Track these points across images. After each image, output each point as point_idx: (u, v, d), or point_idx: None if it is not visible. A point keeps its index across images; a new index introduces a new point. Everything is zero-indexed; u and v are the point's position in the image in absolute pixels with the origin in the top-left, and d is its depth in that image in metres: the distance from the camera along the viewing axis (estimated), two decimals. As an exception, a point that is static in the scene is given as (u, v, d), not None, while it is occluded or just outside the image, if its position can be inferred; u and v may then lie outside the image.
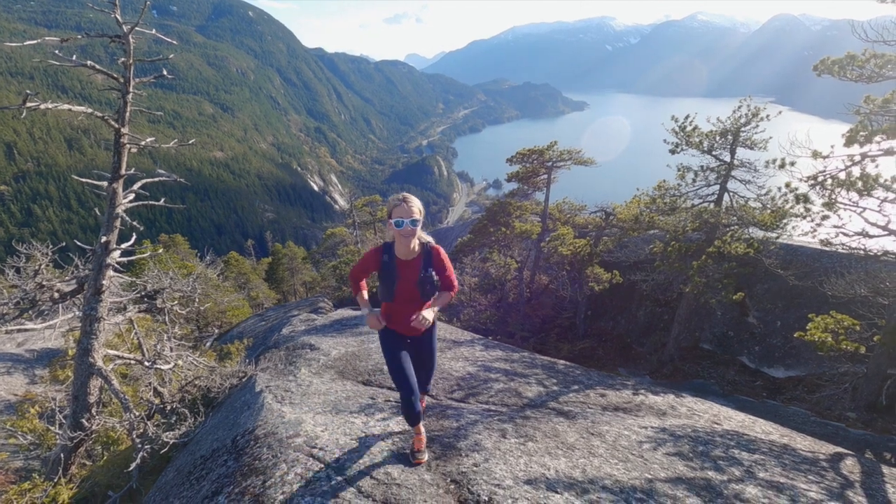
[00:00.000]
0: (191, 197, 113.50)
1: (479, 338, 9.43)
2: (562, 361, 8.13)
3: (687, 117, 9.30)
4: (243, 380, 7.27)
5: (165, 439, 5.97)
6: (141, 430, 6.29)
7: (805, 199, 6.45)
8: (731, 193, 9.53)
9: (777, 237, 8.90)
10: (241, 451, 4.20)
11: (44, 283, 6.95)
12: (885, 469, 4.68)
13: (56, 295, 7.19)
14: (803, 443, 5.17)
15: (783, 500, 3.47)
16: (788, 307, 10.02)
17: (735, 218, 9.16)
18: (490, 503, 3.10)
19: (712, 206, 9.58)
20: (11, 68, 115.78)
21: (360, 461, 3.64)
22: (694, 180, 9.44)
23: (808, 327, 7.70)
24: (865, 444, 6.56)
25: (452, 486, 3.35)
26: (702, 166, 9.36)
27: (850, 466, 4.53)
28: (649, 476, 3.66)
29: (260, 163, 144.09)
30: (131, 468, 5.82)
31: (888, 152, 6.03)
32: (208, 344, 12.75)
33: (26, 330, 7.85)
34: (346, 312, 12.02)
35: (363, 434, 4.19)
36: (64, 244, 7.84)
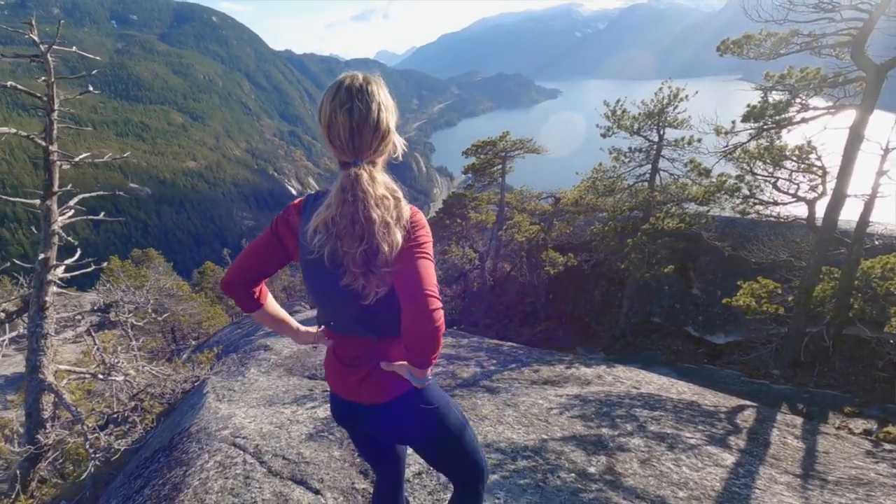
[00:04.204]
0: (166, 209, 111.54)
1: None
2: (508, 344, 8.47)
3: (618, 101, 9.71)
4: (196, 384, 7.47)
5: (117, 447, 6.14)
6: (94, 441, 6.44)
7: (707, 172, 6.86)
8: (662, 172, 9.97)
9: (708, 211, 9.37)
10: (174, 448, 4.43)
11: (-13, 303, 7.04)
12: (780, 416, 5.10)
13: (1, 315, 7.28)
14: (712, 399, 5.57)
15: (662, 448, 3.83)
16: (727, 277, 10.51)
17: (669, 195, 9.62)
18: (385, 470, 3.39)
19: (646, 185, 10.04)
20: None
21: (278, 445, 3.90)
22: (626, 162, 9.87)
23: (739, 294, 8.20)
24: (784, 398, 7.04)
25: (358, 459, 3.63)
26: (630, 147, 9.80)
27: (746, 416, 4.93)
28: (545, 437, 3.99)
29: (235, 170, 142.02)
30: (83, 477, 5.99)
31: (779, 124, 6.46)
32: (185, 356, 12.80)
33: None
34: (313, 313, 12.26)
35: (288, 421, 4.46)
36: (9, 264, 7.89)
